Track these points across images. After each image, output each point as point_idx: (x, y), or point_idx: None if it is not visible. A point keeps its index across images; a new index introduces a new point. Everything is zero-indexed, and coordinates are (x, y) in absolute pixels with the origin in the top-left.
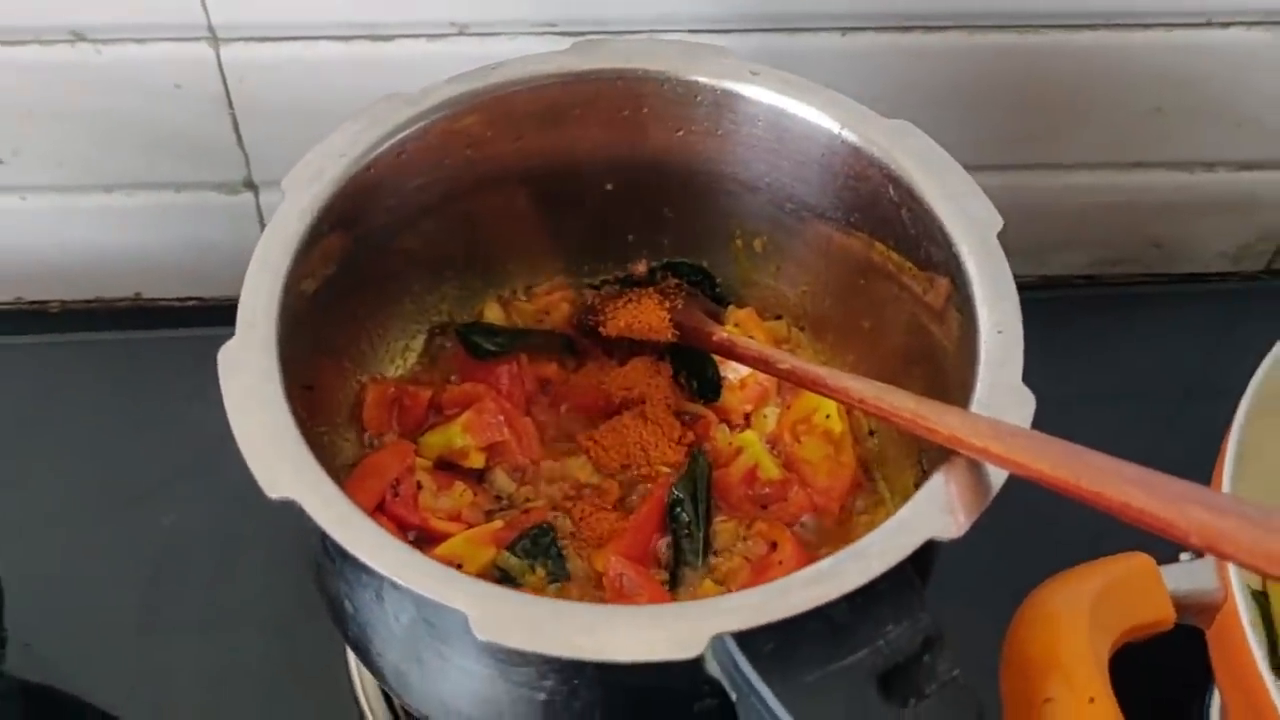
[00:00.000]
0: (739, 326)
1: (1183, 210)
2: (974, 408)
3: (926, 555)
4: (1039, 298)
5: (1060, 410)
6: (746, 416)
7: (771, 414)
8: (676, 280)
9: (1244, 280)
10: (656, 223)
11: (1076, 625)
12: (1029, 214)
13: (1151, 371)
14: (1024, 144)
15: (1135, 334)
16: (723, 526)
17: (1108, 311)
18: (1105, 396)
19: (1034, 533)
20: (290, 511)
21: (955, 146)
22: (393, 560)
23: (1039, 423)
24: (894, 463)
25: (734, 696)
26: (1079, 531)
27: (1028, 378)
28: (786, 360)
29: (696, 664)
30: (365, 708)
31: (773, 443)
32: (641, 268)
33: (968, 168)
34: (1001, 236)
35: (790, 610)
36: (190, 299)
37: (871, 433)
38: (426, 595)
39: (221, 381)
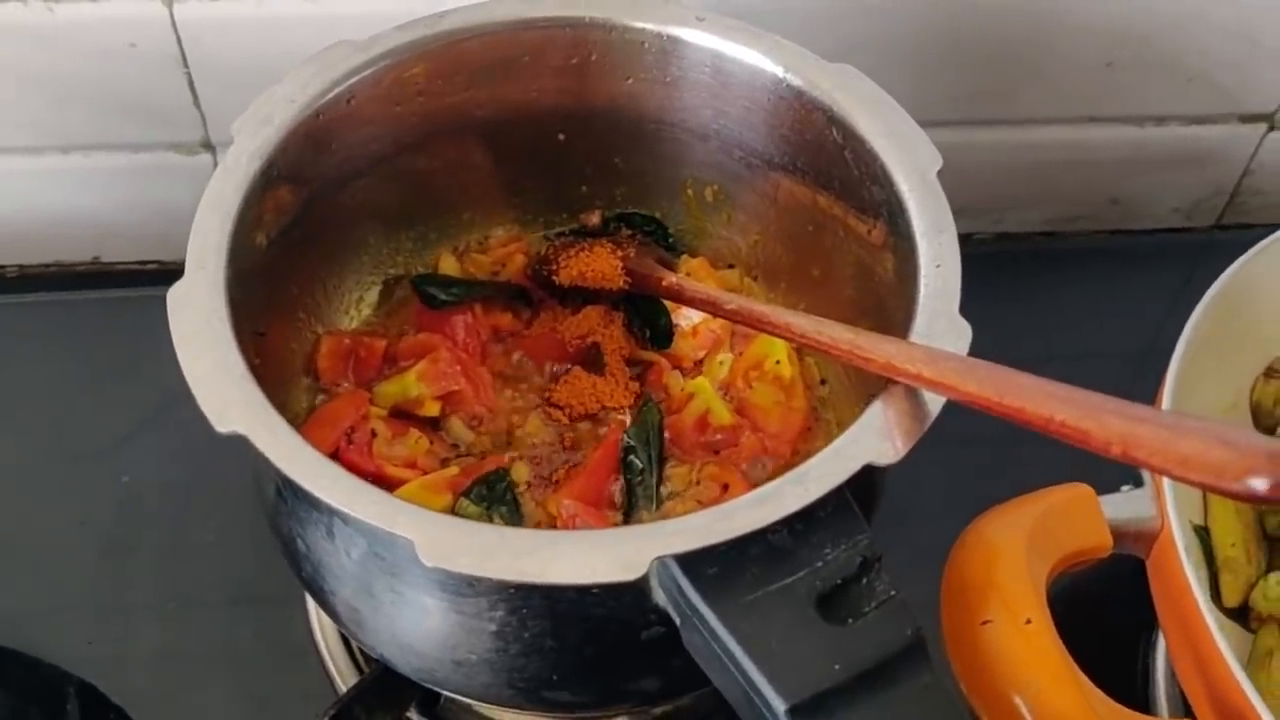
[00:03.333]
0: (691, 276)
1: (1137, 165)
2: (913, 338)
3: (867, 480)
4: (995, 252)
5: (1015, 364)
6: (698, 363)
7: (724, 361)
8: (629, 231)
9: (1197, 234)
10: (609, 173)
11: (1014, 550)
12: (983, 171)
13: (1107, 327)
14: (976, 100)
15: (1091, 290)
16: (675, 471)
17: (1064, 267)
18: (1060, 351)
19: (981, 467)
20: (244, 454)
21: (906, 102)
22: (341, 491)
23: None
24: (844, 408)
25: (678, 621)
26: (1025, 466)
27: (983, 333)
28: (733, 300)
29: (642, 589)
30: (326, 656)
31: (725, 389)
32: (595, 218)
33: (919, 124)
34: (958, 193)
35: (732, 533)
36: (150, 262)
37: (823, 381)
38: (373, 523)
39: (170, 319)
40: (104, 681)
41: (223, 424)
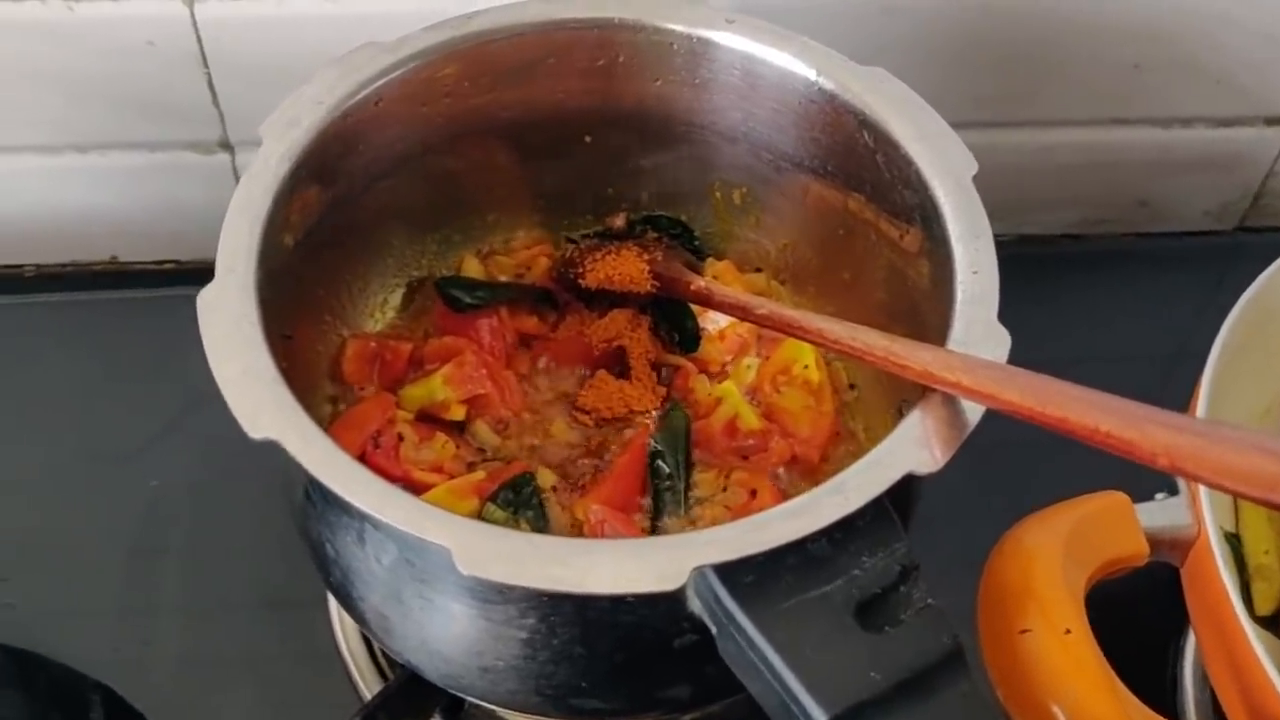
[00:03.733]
0: (718, 279)
1: (1164, 168)
2: (950, 345)
3: (905, 489)
4: (1019, 255)
5: (1042, 368)
6: (725, 367)
7: (751, 365)
8: (656, 234)
9: (1220, 237)
10: (635, 175)
11: (1052, 559)
12: (1008, 172)
13: (1135, 330)
14: (1002, 101)
15: (1118, 293)
16: (702, 476)
17: (1088, 269)
18: (1086, 354)
19: (1016, 474)
20: (273, 458)
21: (933, 103)
22: (374, 497)
23: None
24: (874, 413)
25: (714, 630)
26: (1061, 475)
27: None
28: (763, 305)
29: (677, 598)
30: (349, 661)
31: (752, 393)
32: (620, 221)
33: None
34: (983, 195)
35: (770, 543)
36: (168, 262)
37: (852, 385)
38: (408, 531)
39: (201, 324)
40: (127, 686)
41: (255, 430)
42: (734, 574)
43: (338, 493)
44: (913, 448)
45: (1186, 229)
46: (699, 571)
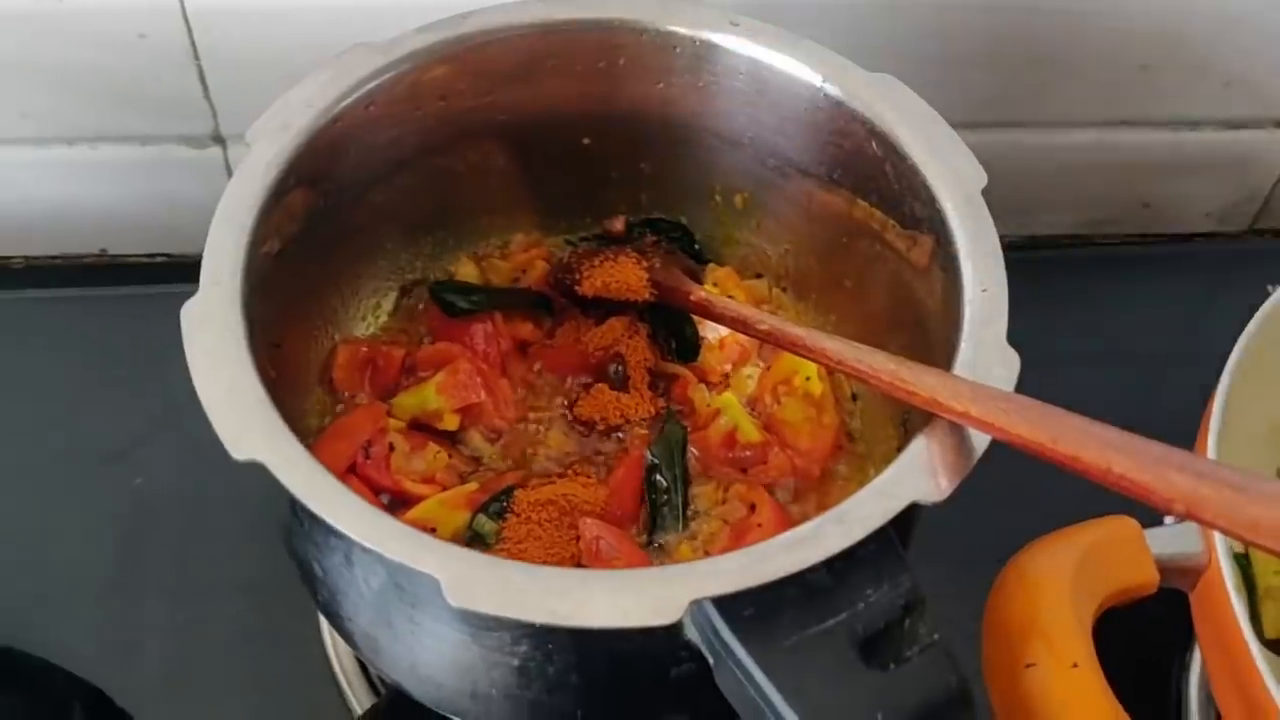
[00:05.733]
0: (718, 285)
1: (1170, 169)
2: (958, 368)
3: (909, 519)
4: (1025, 257)
5: (1046, 371)
6: (725, 377)
7: (752, 375)
8: (655, 237)
9: (1229, 240)
10: (635, 178)
11: (1059, 589)
12: (1015, 172)
13: (1137, 332)
14: (1009, 101)
15: (1122, 294)
16: (700, 490)
17: (1094, 271)
18: (1091, 357)
19: (1020, 496)
20: (257, 471)
21: (939, 104)
22: (362, 524)
23: (1024, 383)
24: (876, 426)
25: (712, 661)
26: (1065, 495)
27: (1013, 338)
28: (766, 321)
29: (674, 629)
30: (338, 668)
31: (752, 404)
32: (619, 225)
33: (952, 125)
34: (987, 195)
35: (770, 575)
36: (159, 255)
37: (854, 396)
38: (397, 559)
39: (185, 340)
40: (112, 687)
41: (239, 451)
42: (733, 606)
43: (324, 518)
44: (918, 476)
45: (1190, 231)
46: (697, 604)
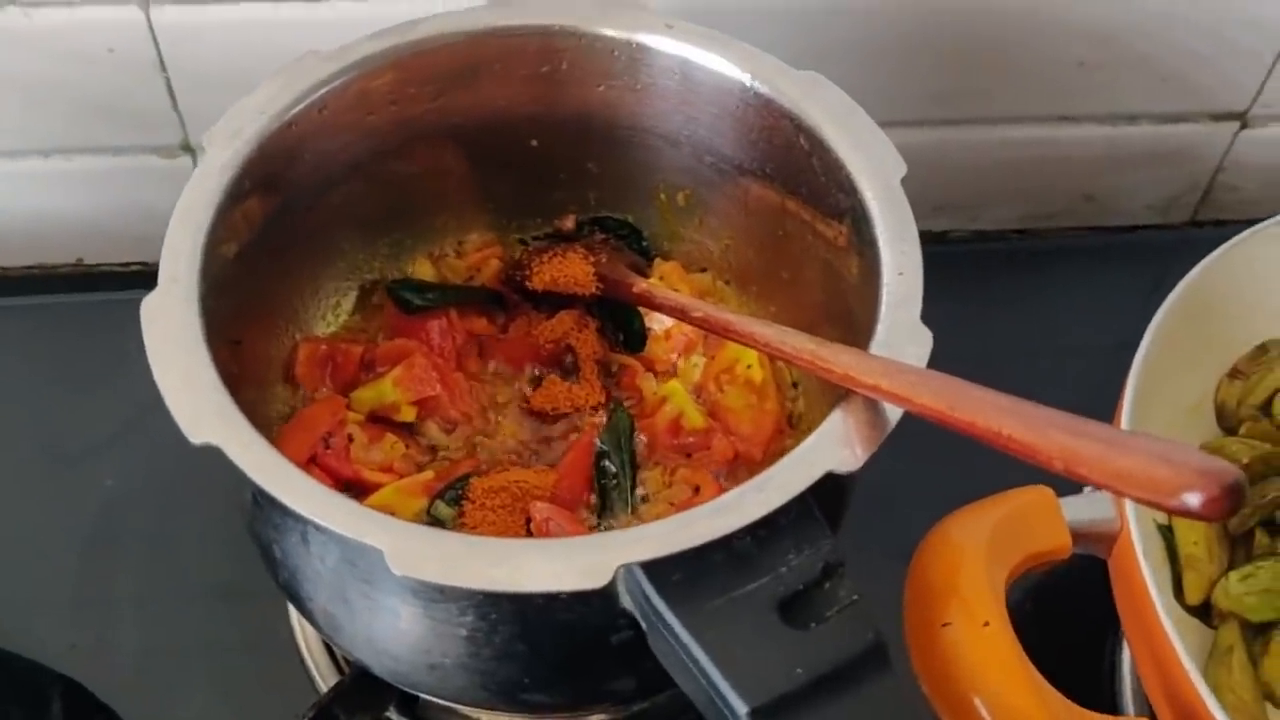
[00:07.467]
0: (665, 280)
1: (1111, 163)
2: (874, 347)
3: (833, 486)
4: (972, 250)
5: (994, 362)
6: (672, 366)
7: (697, 364)
8: (604, 235)
9: (1171, 231)
10: (582, 178)
11: (975, 554)
12: (960, 169)
13: (1084, 323)
14: (951, 99)
15: (1068, 286)
16: (648, 474)
17: (1041, 264)
18: (1038, 348)
19: (949, 467)
20: (218, 460)
21: (882, 102)
22: (312, 502)
23: (973, 373)
24: (816, 413)
25: (644, 625)
26: (992, 466)
27: (957, 330)
28: (700, 308)
29: (609, 595)
30: (306, 654)
31: (698, 392)
32: (569, 223)
33: (895, 124)
34: (933, 191)
35: (694, 540)
36: (133, 264)
37: (795, 384)
38: (343, 533)
39: (144, 332)
40: (86, 678)
41: (195, 435)
42: (661, 572)
43: (276, 496)
44: (834, 446)
45: (1133, 223)
46: (627, 569)
